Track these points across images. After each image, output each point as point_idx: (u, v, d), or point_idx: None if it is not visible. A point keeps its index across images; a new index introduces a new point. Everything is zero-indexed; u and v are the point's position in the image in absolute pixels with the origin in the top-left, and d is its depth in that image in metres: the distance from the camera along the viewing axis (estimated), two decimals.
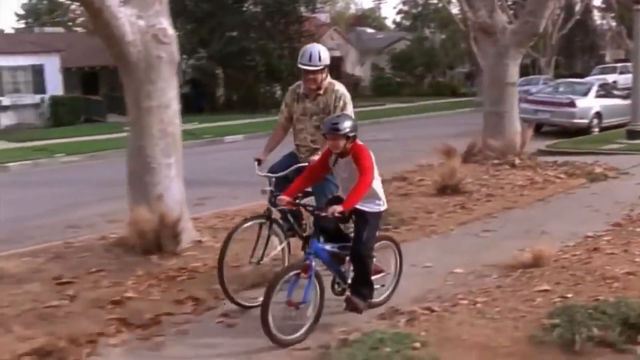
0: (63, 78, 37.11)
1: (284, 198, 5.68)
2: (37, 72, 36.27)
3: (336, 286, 5.93)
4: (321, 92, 6.60)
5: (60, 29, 48.59)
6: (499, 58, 14.27)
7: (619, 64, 39.93)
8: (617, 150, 15.91)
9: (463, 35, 38.17)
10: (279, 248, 6.42)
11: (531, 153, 14.70)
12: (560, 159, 14.17)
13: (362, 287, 5.66)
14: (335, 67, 46.85)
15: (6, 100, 34.84)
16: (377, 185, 5.69)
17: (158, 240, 7.61)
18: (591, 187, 11.63)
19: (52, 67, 36.63)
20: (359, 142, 5.61)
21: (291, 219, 6.30)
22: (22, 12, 55.88)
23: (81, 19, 59.24)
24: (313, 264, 5.40)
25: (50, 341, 5.42)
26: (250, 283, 6.49)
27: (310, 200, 6.45)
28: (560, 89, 23.00)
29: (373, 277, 5.83)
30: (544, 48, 37.86)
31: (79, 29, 56.08)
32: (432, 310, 5.87)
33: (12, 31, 49.08)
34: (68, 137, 27.31)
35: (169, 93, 7.78)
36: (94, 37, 43.61)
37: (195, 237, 8.27)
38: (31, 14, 55.13)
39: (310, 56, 6.42)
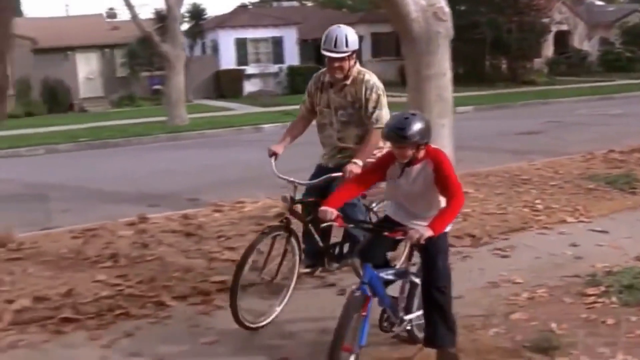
0: (299, 49, 40.06)
1: (330, 210, 4.26)
2: (277, 44, 39.52)
3: (385, 322, 4.66)
4: (348, 82, 5.71)
5: (295, 3, 51.82)
6: None
7: None
8: None
9: None
10: (294, 262, 5.61)
11: None
12: None
13: (447, 330, 4.42)
14: (563, 42, 46.06)
15: (251, 69, 38.38)
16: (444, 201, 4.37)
17: None
18: None
19: (290, 39, 39.74)
20: (432, 146, 4.35)
21: (314, 234, 5.62)
22: None
23: None
24: (370, 296, 4.20)
25: None
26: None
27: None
28: None
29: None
30: None
31: (309, 3, 59.34)
32: None
33: (250, 6, 52.90)
34: None
35: (444, 64, 8.96)
36: (325, 10, 46.20)
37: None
38: None
39: (336, 41, 5.45)
